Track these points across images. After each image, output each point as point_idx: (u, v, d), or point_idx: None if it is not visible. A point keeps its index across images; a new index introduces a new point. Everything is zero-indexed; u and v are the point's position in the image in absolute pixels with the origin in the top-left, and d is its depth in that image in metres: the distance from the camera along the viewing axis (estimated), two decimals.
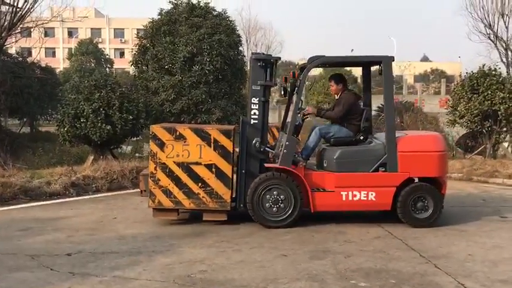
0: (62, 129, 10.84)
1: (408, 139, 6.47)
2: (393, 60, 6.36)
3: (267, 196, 6.17)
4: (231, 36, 12.83)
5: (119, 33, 66.31)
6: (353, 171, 6.22)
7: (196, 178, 6.17)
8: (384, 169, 6.20)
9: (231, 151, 6.19)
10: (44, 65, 19.34)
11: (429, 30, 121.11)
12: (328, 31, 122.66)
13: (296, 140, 6.44)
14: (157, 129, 6.25)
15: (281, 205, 6.17)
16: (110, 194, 8.69)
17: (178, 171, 6.18)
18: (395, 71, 47.98)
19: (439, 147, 6.36)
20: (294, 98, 6.55)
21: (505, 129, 12.28)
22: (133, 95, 11.44)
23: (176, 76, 12.17)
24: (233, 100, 12.78)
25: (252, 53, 6.73)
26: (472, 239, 5.70)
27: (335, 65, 7.50)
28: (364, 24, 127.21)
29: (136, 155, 14.04)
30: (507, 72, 18.10)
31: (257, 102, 6.31)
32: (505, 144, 13.09)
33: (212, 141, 6.16)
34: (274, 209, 6.18)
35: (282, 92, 6.72)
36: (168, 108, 12.18)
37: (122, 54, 62.01)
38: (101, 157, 10.71)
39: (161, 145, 6.20)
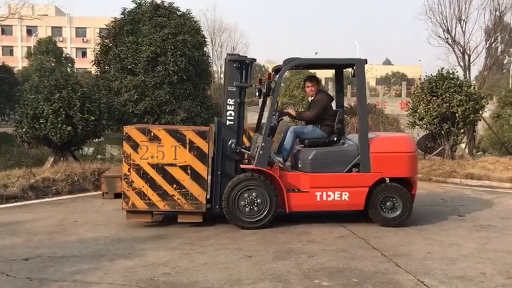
0: (20, 130, 10.52)
1: (380, 140, 6.59)
2: (366, 63, 6.46)
3: (243, 197, 6.18)
4: (196, 36, 12.76)
5: (80, 32, 64.83)
6: (327, 172, 6.29)
7: (171, 180, 6.10)
8: (357, 170, 6.30)
9: (207, 152, 6.16)
10: (1, 64, 18.68)
11: (391, 35, 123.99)
12: (292, 33, 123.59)
13: (271, 141, 6.46)
14: (131, 130, 6.18)
15: (256, 206, 6.19)
16: (70, 196, 8.48)
17: (153, 173, 6.11)
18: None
19: (409, 148, 6.49)
20: (269, 99, 6.58)
21: (462, 130, 12.70)
22: (95, 95, 11.20)
23: (139, 76, 12.01)
24: (198, 101, 12.71)
25: (228, 54, 6.70)
26: (431, 237, 5.85)
27: (310, 67, 7.55)
28: (328, 27, 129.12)
29: (98, 156, 13.78)
30: (464, 75, 18.74)
31: (233, 103, 6.32)
32: (462, 145, 13.54)
33: (187, 142, 6.12)
34: (249, 210, 6.19)
35: (257, 94, 6.73)
36: (131, 109, 12.00)
37: (83, 54, 60.66)
38: (62, 159, 10.45)
39: (135, 146, 6.12)
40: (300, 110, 8.80)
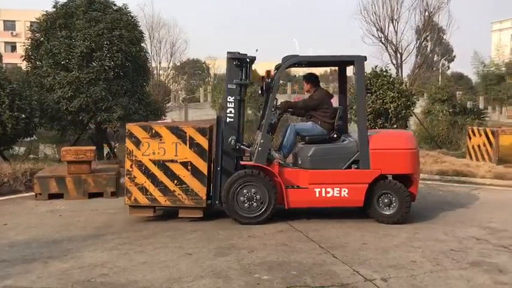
0: None
1: (380, 137, 6.59)
2: (365, 60, 6.44)
3: (242, 193, 6.24)
4: (133, 32, 12.46)
5: (9, 25, 61.36)
6: (326, 169, 6.30)
7: (172, 176, 6.21)
8: (356, 166, 6.30)
9: (207, 149, 6.24)
10: None
11: (328, 33, 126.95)
12: (232, 30, 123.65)
13: (270, 138, 6.47)
14: (133, 127, 6.33)
15: (255, 202, 6.24)
16: (0, 198, 8.04)
17: (154, 169, 6.22)
18: (299, 71, 49.74)
19: (410, 144, 6.46)
20: (270, 97, 6.57)
21: (395, 126, 13.28)
22: (26, 92, 10.67)
23: (73, 72, 11.56)
24: (136, 98, 12.41)
25: (228, 52, 6.61)
26: (366, 228, 6.08)
27: (309, 65, 7.45)
28: (269, 24, 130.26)
29: (31, 156, 13.15)
30: (396, 73, 19.58)
31: (233, 100, 6.38)
32: None
33: (188, 139, 6.22)
34: (248, 205, 6.24)
35: (260, 92, 6.78)
36: (65, 106, 11.53)
37: (13, 48, 57.41)
38: None
39: (137, 143, 6.24)
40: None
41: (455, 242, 5.49)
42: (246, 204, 6.25)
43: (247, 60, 6.50)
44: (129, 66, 12.26)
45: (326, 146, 6.51)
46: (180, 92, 31.44)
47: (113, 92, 11.81)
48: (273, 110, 6.60)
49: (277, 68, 6.85)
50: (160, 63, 24.64)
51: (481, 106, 26.61)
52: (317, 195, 6.26)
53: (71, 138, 13.79)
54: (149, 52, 20.08)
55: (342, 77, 7.35)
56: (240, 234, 5.81)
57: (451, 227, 6.08)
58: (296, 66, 7.29)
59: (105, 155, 13.56)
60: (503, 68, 26.66)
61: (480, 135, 11.71)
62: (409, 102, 12.93)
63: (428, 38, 25.73)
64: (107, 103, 11.63)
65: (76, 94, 11.52)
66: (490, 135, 11.81)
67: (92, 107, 11.71)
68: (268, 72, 6.67)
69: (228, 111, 6.42)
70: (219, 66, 37.88)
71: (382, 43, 21.69)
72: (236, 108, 6.41)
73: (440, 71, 43.71)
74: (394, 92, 12.52)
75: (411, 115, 14.11)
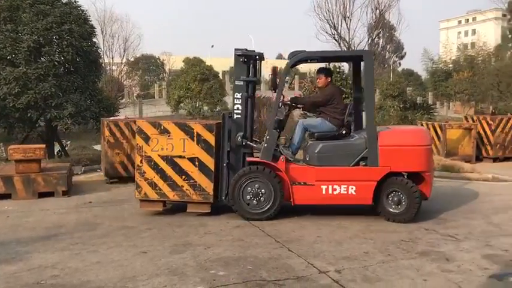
0: None
1: (389, 133, 6.44)
2: (374, 55, 6.35)
3: (248, 189, 6.23)
4: (83, 26, 12.06)
5: None
6: (334, 165, 6.19)
7: (180, 171, 6.32)
8: (364, 163, 6.17)
9: (214, 145, 6.30)
10: None
11: (283, 30, 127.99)
12: (188, 26, 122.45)
13: (276, 134, 6.40)
14: (142, 123, 6.49)
15: (261, 198, 6.23)
16: None
17: (163, 164, 6.34)
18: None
19: (421, 141, 6.27)
20: (276, 93, 6.50)
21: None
22: None
23: (20, 68, 11.07)
24: (87, 94, 12.05)
25: (235, 49, 6.53)
26: (321, 222, 6.19)
27: (316, 61, 7.25)
28: (224, 20, 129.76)
29: None
30: (349, 69, 19.95)
31: (240, 97, 6.38)
32: None
33: (195, 135, 6.31)
34: (254, 201, 6.23)
35: (271, 88, 6.73)
36: (12, 103, 11.05)
37: None
38: None
39: (146, 139, 6.38)
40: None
41: (406, 232, 5.68)
42: (252, 201, 6.25)
43: (255, 56, 6.49)
44: (80, 62, 11.89)
45: (333, 142, 6.37)
46: (134, 88, 30.86)
47: (63, 88, 11.41)
48: (279, 106, 6.53)
49: (292, 65, 6.77)
50: (113, 58, 24.08)
51: (430, 101, 27.58)
52: (324, 192, 6.16)
53: (19, 136, 13.26)
54: (101, 47, 19.61)
55: (357, 72, 7.15)
56: (196, 231, 5.78)
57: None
58: (304, 62, 7.19)
59: (56, 153, 13.12)
60: (450, 65, 27.72)
61: (429, 129, 12.14)
62: (361, 98, 13.22)
63: (380, 35, 26.43)
64: (57, 100, 11.22)
65: (24, 90, 11.05)
66: (438, 130, 12.29)
67: (41, 103, 11.28)
68: (274, 68, 6.60)
69: (235, 107, 6.45)
70: (174, 62, 37.45)
71: (336, 40, 22.10)
72: (243, 105, 6.41)
73: (391, 67, 44.98)
74: (347, 89, 12.78)
75: (363, 110, 14.43)
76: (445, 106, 30.26)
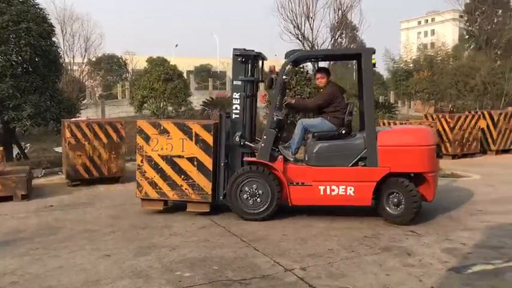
0: None
1: (389, 133, 6.35)
2: (374, 53, 6.13)
3: (245, 189, 6.20)
4: (42, 25, 11.70)
5: None
6: (332, 166, 6.06)
7: (179, 171, 6.38)
8: (363, 164, 6.03)
9: (212, 145, 6.31)
10: None
11: (248, 30, 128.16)
12: (152, 25, 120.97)
13: (274, 134, 6.30)
14: (142, 123, 6.57)
15: (258, 198, 6.18)
16: None
17: (163, 164, 6.42)
18: (219, 67, 49.70)
19: (422, 141, 6.06)
20: (273, 93, 6.41)
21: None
22: None
23: None
24: (47, 95, 11.70)
25: (234, 49, 6.43)
26: (287, 220, 6.23)
27: (313, 59, 7.10)
28: (188, 19, 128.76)
29: None
30: (313, 69, 20.16)
31: (238, 97, 6.36)
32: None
33: (194, 135, 6.34)
34: (251, 201, 6.19)
35: (265, 84, 6.69)
36: None
37: None
38: None
39: (147, 139, 6.47)
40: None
41: (369, 229, 5.79)
42: (249, 201, 6.21)
43: (253, 56, 6.43)
44: (39, 62, 11.54)
45: (332, 142, 6.24)
46: (96, 88, 30.17)
47: (21, 89, 11.05)
48: (276, 106, 6.38)
49: (294, 61, 6.63)
50: (74, 58, 23.50)
51: (392, 100, 28.24)
52: (321, 193, 6.04)
53: None
54: (61, 47, 19.10)
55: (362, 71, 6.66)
56: (161, 232, 5.72)
57: (365, 215, 6.38)
58: (301, 61, 7.07)
59: (14, 156, 12.69)
60: (411, 65, 28.42)
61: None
62: None
63: (342, 35, 26.81)
64: (15, 101, 10.86)
65: None
66: None
67: None
68: (272, 68, 6.55)
69: (233, 107, 6.42)
70: (137, 62, 36.88)
71: (299, 40, 22.23)
72: (241, 105, 6.38)
73: (355, 67, 45.68)
74: (310, 88, 12.91)
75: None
76: (406, 105, 31.02)
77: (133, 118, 19.24)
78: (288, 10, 22.07)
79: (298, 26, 22.02)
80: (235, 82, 6.47)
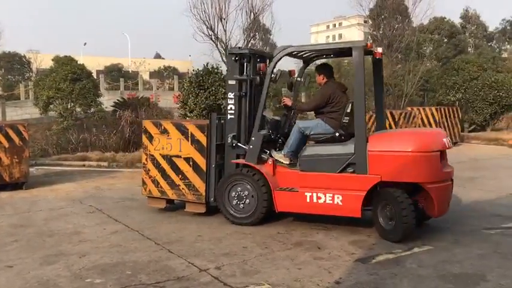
0: None
1: (381, 137, 5.75)
2: (366, 46, 5.57)
3: (233, 192, 6.02)
4: None
5: None
6: (319, 171, 5.61)
7: (177, 170, 6.40)
8: (352, 170, 5.46)
9: (205, 145, 6.21)
10: None
11: (161, 29, 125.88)
12: (58, 22, 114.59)
13: (262, 136, 5.97)
14: (147, 123, 6.68)
15: (246, 202, 5.96)
16: None
17: (163, 163, 6.49)
18: (131, 67, 48.34)
19: (420, 146, 5.26)
20: (262, 92, 6.06)
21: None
22: None
23: None
24: None
25: (230, 48, 5.91)
26: (202, 220, 6.23)
27: (303, 56, 6.62)
28: (98, 17, 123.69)
29: None
30: (227, 70, 20.30)
31: (233, 97, 6.17)
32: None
33: (189, 135, 6.32)
34: (240, 205, 5.99)
35: (287, 87, 6.24)
36: None
37: None
38: None
39: (150, 138, 6.58)
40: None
41: (282, 225, 5.96)
42: (237, 204, 6.01)
43: (248, 55, 6.16)
44: None
45: (321, 145, 5.84)
46: None
47: None
48: (264, 106, 6.08)
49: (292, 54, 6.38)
50: None
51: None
52: (308, 200, 5.61)
53: None
54: None
55: (377, 69, 6.26)
56: (70, 239, 5.47)
57: (279, 213, 6.53)
58: (292, 57, 6.66)
59: None
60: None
61: None
62: None
63: (255, 37, 27.23)
64: None
65: None
66: None
67: None
68: (264, 66, 6.30)
69: (228, 107, 6.17)
70: (42, 61, 34.82)
71: (213, 41, 22.23)
72: (236, 105, 6.16)
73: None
74: (225, 89, 12.98)
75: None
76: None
77: (39, 120, 18.19)
78: (201, 11, 21.96)
79: (211, 27, 22.00)
80: (229, 81, 6.29)
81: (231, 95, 6.26)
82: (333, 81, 6.30)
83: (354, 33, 57.54)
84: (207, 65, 13.58)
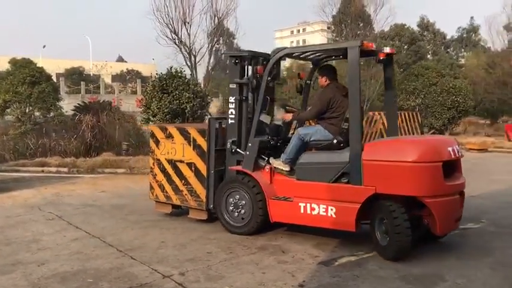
0: None
1: (378, 144, 5.48)
2: (361, 46, 5.13)
3: (230, 200, 5.84)
4: None
5: None
6: (314, 180, 5.30)
7: (181, 175, 6.31)
8: (346, 180, 5.12)
9: (205, 150, 6.06)
10: None
11: (123, 32, 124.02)
12: (15, 24, 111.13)
13: (258, 141, 5.75)
14: (154, 128, 6.66)
15: (241, 210, 5.77)
16: None
17: (169, 168, 6.41)
18: (93, 70, 47.36)
19: (419, 156, 4.75)
20: (258, 96, 5.82)
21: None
22: None
23: None
24: None
25: (229, 51, 5.63)
26: (165, 226, 6.17)
27: (299, 57, 6.40)
28: (57, 18, 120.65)
29: None
30: (191, 74, 20.20)
31: (233, 101, 5.97)
32: None
33: (191, 140, 6.19)
34: (236, 213, 5.80)
35: (296, 90, 6.24)
36: None
37: None
38: None
39: (157, 143, 6.53)
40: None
41: None
42: (234, 212, 5.82)
43: (249, 57, 5.94)
44: None
45: (317, 153, 5.61)
46: None
47: None
48: (263, 111, 5.88)
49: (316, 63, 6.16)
50: None
51: None
52: (302, 210, 5.32)
53: None
54: None
55: (388, 71, 5.88)
56: (28, 247, 5.30)
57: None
58: (290, 58, 6.44)
59: None
60: (285, 72, 29.87)
61: None
62: (204, 103, 13.49)
63: (220, 41, 27.23)
64: None
65: None
66: None
67: None
68: (259, 69, 5.99)
69: (229, 112, 6.00)
70: None
71: (176, 45, 22.08)
72: (237, 109, 5.93)
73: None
74: (189, 93, 12.90)
75: (206, 115, 14.78)
76: (281, 110, 32.43)
77: None
78: (164, 14, 21.80)
79: (175, 30, 21.85)
80: (230, 85, 6.09)
81: (231, 99, 6.05)
82: (334, 84, 5.82)
83: (317, 39, 58.40)
84: (170, 69, 13.49)
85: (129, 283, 4.21)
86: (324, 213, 5.17)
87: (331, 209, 5.13)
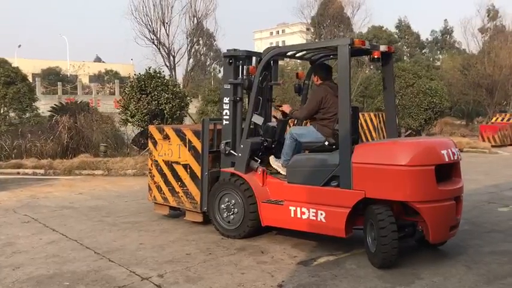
0: None
1: (368, 146, 5.25)
2: (352, 44, 4.89)
3: (222, 202, 5.74)
4: None
5: None
6: (304, 183, 5.14)
7: (177, 177, 6.25)
8: (336, 183, 4.95)
9: (200, 152, 5.98)
10: None
11: (101, 32, 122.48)
12: None
13: (249, 143, 5.64)
14: (152, 129, 6.58)
15: (234, 213, 5.65)
16: None
17: (166, 169, 6.35)
18: (70, 70, 46.65)
19: (410, 159, 4.52)
20: (250, 96, 5.70)
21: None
22: None
23: None
24: None
25: (227, 50, 5.75)
26: (144, 228, 6.13)
27: (291, 56, 6.16)
28: (33, 17, 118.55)
29: None
30: (170, 75, 20.10)
31: (228, 101, 5.87)
32: None
33: (187, 141, 6.11)
34: (230, 216, 5.69)
35: (294, 91, 6.16)
36: None
37: None
38: None
39: (154, 144, 6.49)
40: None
41: None
42: (226, 215, 5.71)
43: (243, 57, 5.84)
44: None
45: (309, 155, 5.48)
46: None
47: None
48: (255, 111, 5.73)
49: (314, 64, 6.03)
50: None
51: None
52: (292, 214, 5.17)
53: None
54: None
55: (387, 69, 5.74)
56: (2, 251, 5.20)
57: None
58: (281, 58, 6.28)
59: None
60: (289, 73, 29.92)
61: None
62: (183, 103, 13.43)
63: (199, 42, 27.15)
64: None
65: None
66: None
67: None
68: (252, 68, 5.90)
69: (223, 113, 5.93)
70: None
71: (155, 45, 21.96)
72: (231, 110, 5.84)
73: (212, 74, 46.60)
74: (168, 94, 12.84)
75: (186, 115, 14.71)
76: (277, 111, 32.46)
77: None
78: (143, 14, 21.66)
79: (153, 30, 21.73)
80: (224, 86, 5.98)
81: (225, 99, 5.94)
82: (328, 84, 5.62)
83: (296, 41, 58.70)
84: (149, 69, 13.40)
85: (106, 286, 4.17)
86: (314, 218, 5.01)
87: (321, 214, 4.96)
